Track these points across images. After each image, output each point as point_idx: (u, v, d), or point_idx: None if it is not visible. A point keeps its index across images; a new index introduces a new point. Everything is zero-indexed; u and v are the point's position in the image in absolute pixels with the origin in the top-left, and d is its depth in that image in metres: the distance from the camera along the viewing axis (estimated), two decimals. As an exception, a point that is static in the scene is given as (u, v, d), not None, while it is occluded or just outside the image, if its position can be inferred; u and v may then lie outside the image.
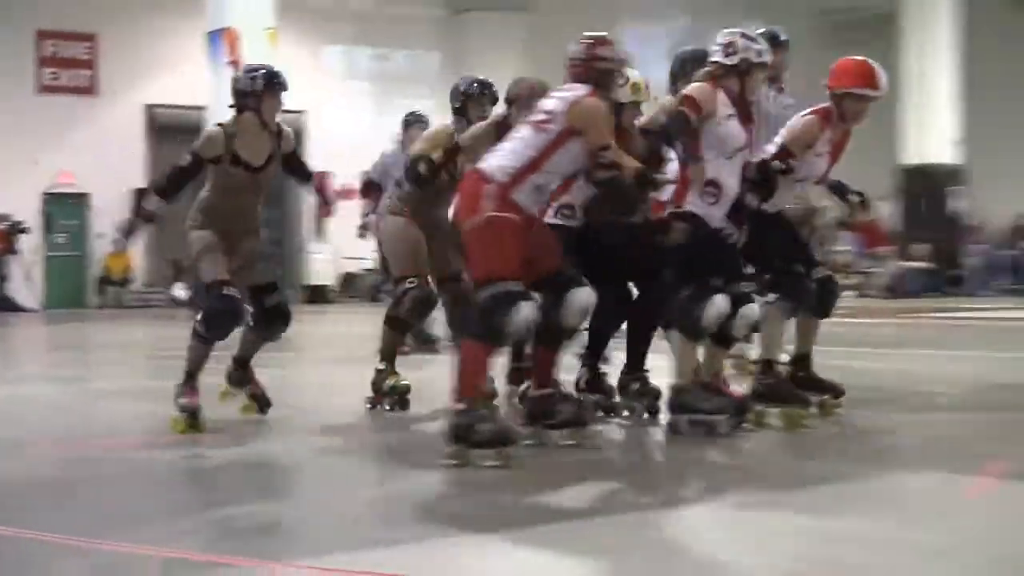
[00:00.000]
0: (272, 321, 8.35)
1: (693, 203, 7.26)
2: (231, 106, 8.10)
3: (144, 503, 5.99)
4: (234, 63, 19.82)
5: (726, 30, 7.54)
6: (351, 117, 30.70)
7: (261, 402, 8.51)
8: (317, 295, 29.28)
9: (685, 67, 8.02)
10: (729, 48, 7.37)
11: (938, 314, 20.02)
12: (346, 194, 22.52)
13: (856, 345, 12.75)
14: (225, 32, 20.06)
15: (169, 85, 28.50)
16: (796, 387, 7.85)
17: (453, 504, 5.93)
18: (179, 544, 4.88)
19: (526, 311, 6.42)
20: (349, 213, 23.06)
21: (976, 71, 28.50)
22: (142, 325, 22.08)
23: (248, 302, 8.23)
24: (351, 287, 30.54)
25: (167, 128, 28.54)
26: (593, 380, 8.26)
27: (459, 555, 4.83)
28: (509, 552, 4.89)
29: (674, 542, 4.99)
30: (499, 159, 6.75)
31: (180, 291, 26.61)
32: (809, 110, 7.82)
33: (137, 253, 28.34)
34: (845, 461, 6.83)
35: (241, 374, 8.49)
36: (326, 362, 14.90)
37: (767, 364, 7.82)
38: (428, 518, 5.55)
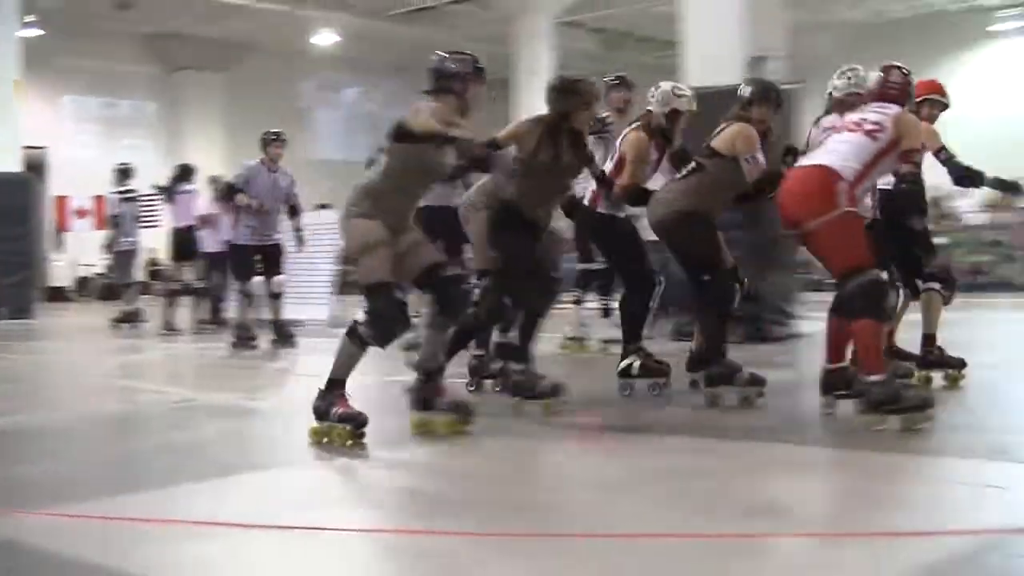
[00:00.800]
0: (451, 296, 5.93)
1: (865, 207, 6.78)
2: (426, 91, 6.04)
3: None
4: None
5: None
6: (84, 153, 29.52)
7: (462, 411, 5.98)
8: (56, 295, 28.17)
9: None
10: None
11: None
12: (81, 213, 21.87)
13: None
14: (-19, 82, 19.06)
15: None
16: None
17: (191, 457, 5.65)
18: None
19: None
20: (84, 228, 22.51)
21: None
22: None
23: (419, 289, 6.18)
24: (84, 288, 29.56)
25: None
26: (646, 364, 7.32)
27: (197, 499, 4.62)
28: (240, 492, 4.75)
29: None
30: (841, 160, 5.97)
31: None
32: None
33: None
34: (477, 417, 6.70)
35: (430, 389, 5.98)
36: (74, 347, 14.29)
37: (930, 338, 7.41)
38: (168, 469, 5.29)
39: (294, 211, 11.81)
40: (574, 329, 10.61)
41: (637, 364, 7.23)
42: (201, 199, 15.13)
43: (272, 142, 11.66)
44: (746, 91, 7.02)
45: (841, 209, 5.85)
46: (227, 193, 11.69)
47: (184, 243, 14.87)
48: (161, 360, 11.84)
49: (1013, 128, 27.02)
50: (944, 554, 3.46)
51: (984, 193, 19.88)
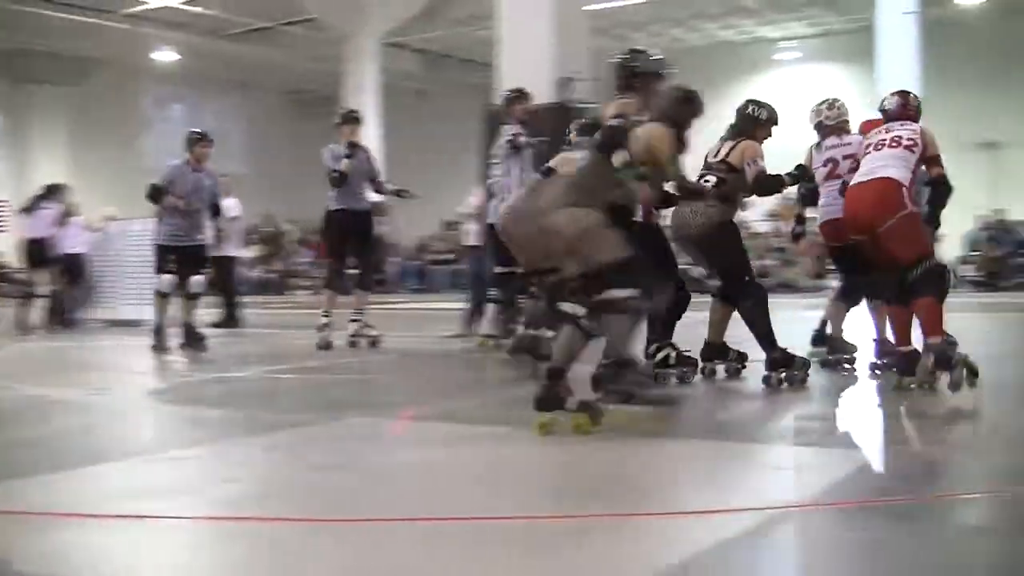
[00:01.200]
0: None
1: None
2: (620, 87, 5.65)
3: None
4: None
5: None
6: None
7: (593, 411, 5.32)
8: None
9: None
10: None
11: (374, 306, 20.18)
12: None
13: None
14: None
15: None
16: None
17: (44, 449, 5.35)
18: None
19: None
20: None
21: (392, 138, 29.04)
22: None
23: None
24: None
25: None
26: (680, 356, 7.35)
27: (53, 490, 4.41)
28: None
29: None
30: (898, 171, 6.62)
31: None
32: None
33: None
34: (307, 411, 6.58)
35: (559, 389, 5.34)
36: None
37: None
38: (22, 461, 5.06)
39: (215, 211, 10.97)
40: (491, 327, 10.22)
41: (674, 354, 7.35)
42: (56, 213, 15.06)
43: (198, 142, 10.83)
44: (762, 113, 7.52)
45: (908, 209, 6.53)
46: (154, 194, 10.56)
47: (38, 252, 14.89)
48: (12, 358, 11.44)
49: (792, 142, 27.89)
50: (738, 529, 3.52)
51: (770, 203, 20.70)
